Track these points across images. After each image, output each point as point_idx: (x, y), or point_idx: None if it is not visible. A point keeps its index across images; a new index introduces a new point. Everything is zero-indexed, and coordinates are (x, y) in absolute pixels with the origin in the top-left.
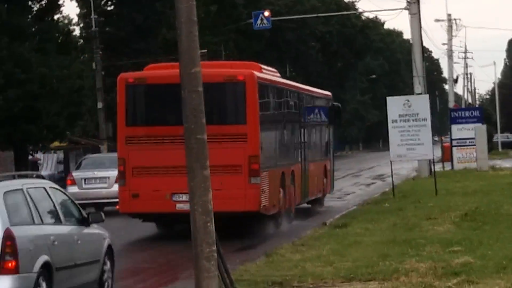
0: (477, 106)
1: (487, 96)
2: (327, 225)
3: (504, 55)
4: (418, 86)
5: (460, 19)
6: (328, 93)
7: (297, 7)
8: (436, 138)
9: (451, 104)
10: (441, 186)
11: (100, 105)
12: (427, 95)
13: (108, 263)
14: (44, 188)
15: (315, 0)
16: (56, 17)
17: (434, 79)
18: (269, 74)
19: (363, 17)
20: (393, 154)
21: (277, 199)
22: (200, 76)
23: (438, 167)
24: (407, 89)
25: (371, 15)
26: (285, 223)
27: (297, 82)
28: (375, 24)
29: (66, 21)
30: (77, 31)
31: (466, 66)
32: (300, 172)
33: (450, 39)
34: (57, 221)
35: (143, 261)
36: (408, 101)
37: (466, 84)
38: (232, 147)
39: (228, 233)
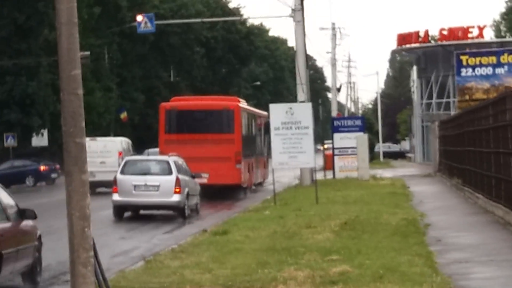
0: (359, 115)
1: (370, 106)
2: (208, 232)
3: (387, 65)
4: (302, 94)
5: (344, 28)
6: (266, 113)
7: (182, 11)
8: (319, 147)
9: (334, 113)
10: (322, 194)
11: None
12: (310, 103)
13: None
14: None
15: (200, 5)
16: None
17: (318, 88)
18: (244, 104)
19: (248, 24)
20: (275, 161)
21: (247, 178)
22: (80, 79)
23: (320, 176)
24: (291, 97)
25: (256, 22)
26: (249, 192)
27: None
28: (260, 30)
29: None
30: None
31: (349, 75)
32: (256, 163)
33: (334, 48)
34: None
35: None
36: (291, 108)
37: (349, 93)
38: (226, 146)
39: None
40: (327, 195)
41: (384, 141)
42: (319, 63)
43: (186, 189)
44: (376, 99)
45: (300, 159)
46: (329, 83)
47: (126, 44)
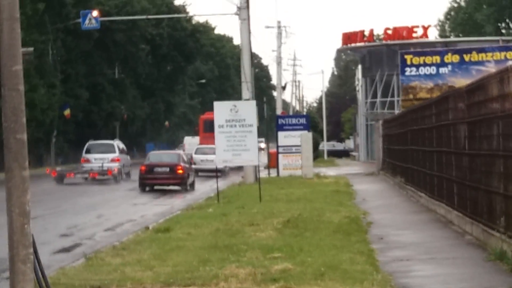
0: (304, 113)
1: (315, 104)
2: (150, 229)
3: (332, 64)
4: (246, 91)
5: (289, 26)
6: None
7: (127, 8)
8: (263, 145)
9: (279, 111)
10: (265, 192)
11: None
12: (254, 101)
13: None
14: None
15: (145, 2)
16: None
17: (263, 86)
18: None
19: (194, 21)
20: (219, 159)
21: None
22: (21, 74)
23: (264, 174)
24: (236, 95)
25: (201, 19)
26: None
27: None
28: (206, 28)
29: None
30: None
31: (294, 73)
32: None
33: (279, 46)
34: None
35: None
36: (235, 106)
37: (294, 91)
38: None
39: None
40: (270, 193)
41: (329, 139)
42: (264, 62)
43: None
44: (321, 98)
45: (243, 157)
46: (274, 81)
47: (71, 41)
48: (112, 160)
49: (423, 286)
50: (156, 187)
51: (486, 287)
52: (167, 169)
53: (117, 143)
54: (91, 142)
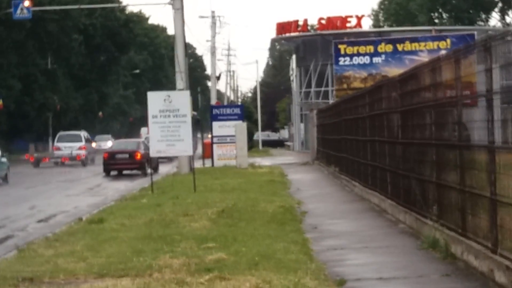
0: (239, 103)
1: (250, 94)
2: (83, 220)
3: (267, 54)
4: (180, 82)
5: (223, 16)
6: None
7: None
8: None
9: (214, 101)
10: (200, 183)
11: None
12: (188, 91)
13: None
14: None
15: None
16: None
17: (198, 76)
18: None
19: (127, 11)
20: (153, 149)
21: None
22: None
23: (198, 164)
24: (170, 85)
25: (135, 9)
26: None
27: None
28: (140, 18)
29: None
30: None
31: (229, 63)
32: None
33: (213, 36)
34: None
35: None
36: (169, 96)
37: (229, 81)
38: None
39: None
40: (205, 183)
41: (263, 129)
42: (199, 52)
43: None
44: (255, 88)
45: (178, 147)
46: (208, 71)
47: (2, 30)
48: (80, 148)
49: (357, 274)
50: (124, 172)
51: (419, 275)
52: (127, 155)
53: (83, 134)
54: (61, 133)
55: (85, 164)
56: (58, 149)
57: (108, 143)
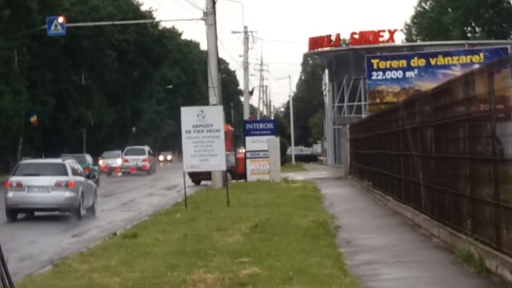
0: (271, 118)
1: (282, 109)
2: (117, 235)
3: (299, 68)
4: (213, 97)
5: (256, 31)
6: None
7: (93, 14)
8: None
9: (246, 116)
10: (233, 197)
11: None
12: (221, 106)
13: None
14: None
15: (112, 8)
16: None
17: (231, 91)
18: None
19: (160, 27)
20: (186, 164)
21: None
22: None
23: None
24: (203, 100)
25: (168, 25)
26: None
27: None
28: (172, 34)
29: None
30: None
31: (262, 78)
32: None
33: (246, 51)
34: None
35: None
36: (202, 111)
37: (261, 96)
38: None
39: None
40: (238, 198)
41: (296, 144)
42: (231, 67)
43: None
44: (288, 102)
45: (211, 162)
46: (241, 86)
47: (37, 47)
48: (144, 160)
49: None
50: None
51: None
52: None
53: (146, 148)
54: (128, 147)
55: (149, 173)
56: (126, 161)
57: (117, 160)
